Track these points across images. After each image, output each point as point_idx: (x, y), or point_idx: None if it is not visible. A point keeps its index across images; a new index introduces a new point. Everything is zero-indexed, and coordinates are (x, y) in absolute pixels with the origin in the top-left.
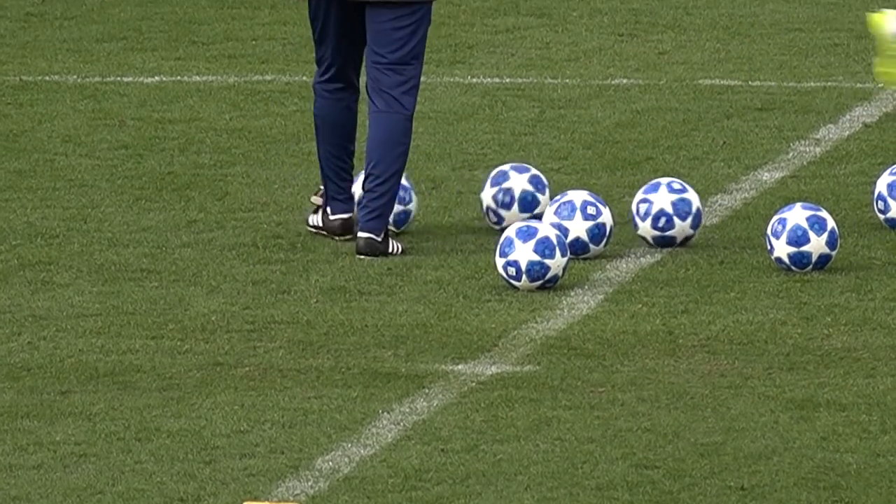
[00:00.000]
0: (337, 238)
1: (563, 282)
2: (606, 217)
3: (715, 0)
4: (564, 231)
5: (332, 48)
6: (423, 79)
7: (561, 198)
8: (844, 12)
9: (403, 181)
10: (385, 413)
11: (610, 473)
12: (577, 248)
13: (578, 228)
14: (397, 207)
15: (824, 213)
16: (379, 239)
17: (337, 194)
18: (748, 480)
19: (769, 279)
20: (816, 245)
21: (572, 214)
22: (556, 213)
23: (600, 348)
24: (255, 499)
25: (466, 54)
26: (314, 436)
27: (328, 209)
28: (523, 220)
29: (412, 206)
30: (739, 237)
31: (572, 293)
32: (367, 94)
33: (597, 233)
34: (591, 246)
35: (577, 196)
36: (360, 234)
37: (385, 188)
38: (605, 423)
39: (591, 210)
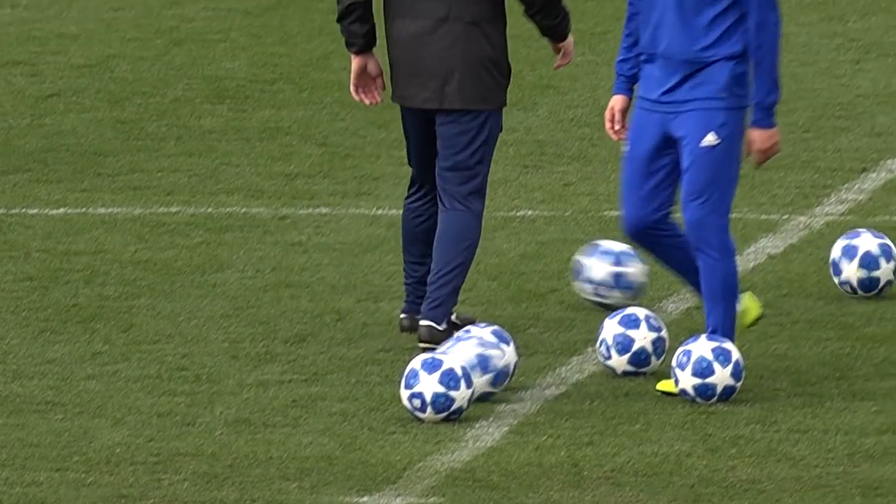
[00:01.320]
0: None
1: (468, 413)
2: (510, 358)
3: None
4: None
5: (413, 159)
6: (326, 210)
7: (465, 335)
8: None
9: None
10: None
11: None
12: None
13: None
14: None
15: (729, 345)
16: (440, 328)
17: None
18: None
19: (674, 410)
20: (721, 376)
21: None
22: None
23: (505, 480)
24: None
25: (372, 186)
26: None
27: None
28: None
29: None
30: None
31: (477, 425)
32: (437, 192)
33: (499, 377)
34: (495, 390)
35: (483, 334)
36: (421, 322)
37: (448, 279)
38: None
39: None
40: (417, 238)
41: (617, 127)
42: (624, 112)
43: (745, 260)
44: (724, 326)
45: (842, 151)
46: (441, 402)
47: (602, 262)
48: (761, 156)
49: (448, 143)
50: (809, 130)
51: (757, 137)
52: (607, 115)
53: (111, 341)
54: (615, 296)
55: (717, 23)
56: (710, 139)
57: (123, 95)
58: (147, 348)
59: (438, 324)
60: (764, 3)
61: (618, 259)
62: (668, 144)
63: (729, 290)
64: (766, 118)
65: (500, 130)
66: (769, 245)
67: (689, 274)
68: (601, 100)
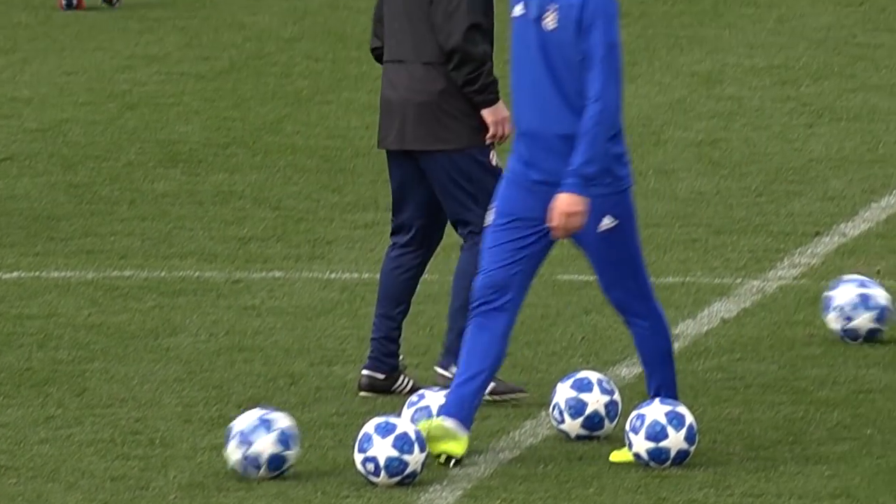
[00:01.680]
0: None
1: (422, 477)
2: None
3: None
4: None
5: (393, 204)
6: (280, 274)
7: (418, 401)
8: (702, 208)
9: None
10: None
11: None
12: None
13: None
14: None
15: (683, 409)
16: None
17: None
18: None
19: (628, 475)
20: (675, 440)
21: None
22: (413, 419)
23: None
24: None
25: (325, 249)
26: None
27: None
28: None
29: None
30: None
31: (430, 489)
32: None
33: None
34: None
35: (435, 400)
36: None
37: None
38: None
39: None
40: (392, 291)
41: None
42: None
43: (699, 324)
44: (667, 389)
45: (795, 215)
46: (395, 466)
47: (848, 286)
48: (560, 220)
49: (432, 183)
50: (762, 194)
51: (563, 201)
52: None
53: (64, 405)
54: (863, 317)
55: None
56: (607, 222)
57: (76, 159)
58: (101, 412)
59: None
60: (606, 73)
61: (862, 283)
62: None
63: (665, 354)
64: (578, 185)
65: (491, 169)
66: (723, 309)
67: None
68: None
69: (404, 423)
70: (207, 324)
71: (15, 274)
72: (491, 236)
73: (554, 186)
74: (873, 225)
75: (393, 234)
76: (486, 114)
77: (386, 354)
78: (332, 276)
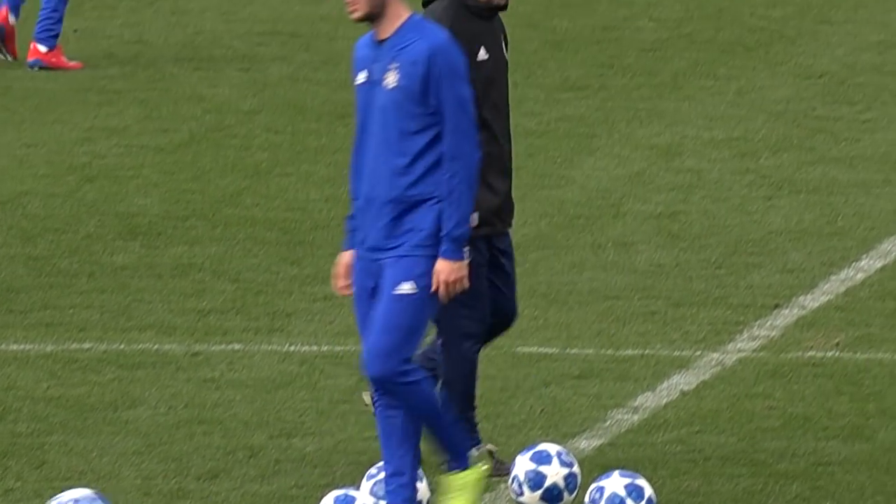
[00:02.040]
0: None
1: None
2: (423, 494)
3: (533, 267)
4: None
5: None
6: (239, 346)
7: (377, 473)
8: (661, 280)
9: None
10: None
11: None
12: None
13: None
14: None
15: (642, 481)
16: None
17: None
18: None
19: None
20: None
21: None
22: (371, 491)
23: None
24: None
25: (285, 322)
26: None
27: None
28: None
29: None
30: None
31: None
32: None
33: None
34: None
35: None
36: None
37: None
38: None
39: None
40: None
41: (341, 283)
42: (350, 267)
43: (658, 396)
44: (448, 447)
45: (754, 288)
46: None
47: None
48: (445, 288)
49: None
50: (722, 267)
51: (443, 269)
52: (335, 271)
53: (23, 478)
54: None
55: (420, 159)
56: (406, 287)
57: (35, 232)
58: (59, 485)
59: None
60: (459, 131)
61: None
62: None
63: (433, 414)
64: (453, 250)
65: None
66: (682, 381)
67: (434, 416)
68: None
69: (363, 495)
70: (167, 396)
71: None
72: (356, 311)
73: (378, 252)
74: (832, 297)
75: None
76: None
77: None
78: (292, 348)
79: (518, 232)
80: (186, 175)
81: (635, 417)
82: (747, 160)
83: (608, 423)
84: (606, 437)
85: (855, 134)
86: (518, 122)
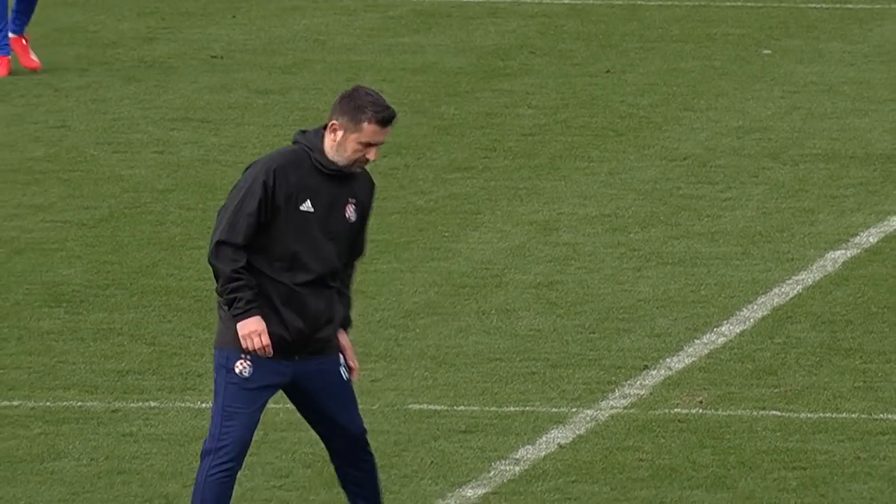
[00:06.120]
0: None
1: None
2: None
3: (423, 332)
4: None
5: None
6: (155, 403)
7: None
8: (540, 344)
9: None
10: None
11: None
12: None
13: None
14: None
15: None
16: None
17: None
18: None
19: None
20: None
21: None
22: None
23: None
24: None
25: (196, 381)
26: None
27: None
28: None
29: None
30: None
31: None
32: None
33: None
34: None
35: None
36: None
37: None
38: None
39: None
40: None
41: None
42: None
43: (538, 449)
44: None
45: (625, 350)
46: None
47: None
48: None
49: None
50: (595, 331)
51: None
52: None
53: None
54: None
55: None
56: None
57: None
58: None
59: None
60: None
61: None
62: None
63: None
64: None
65: (225, 376)
66: (559, 436)
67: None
68: (405, 303)
69: None
70: (89, 449)
71: None
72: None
73: None
74: (696, 359)
75: None
76: (237, 326)
77: None
78: (203, 405)
79: (409, 300)
80: (106, 248)
81: (517, 468)
82: (618, 234)
83: (492, 473)
84: (490, 487)
85: (716, 211)
86: (409, 200)
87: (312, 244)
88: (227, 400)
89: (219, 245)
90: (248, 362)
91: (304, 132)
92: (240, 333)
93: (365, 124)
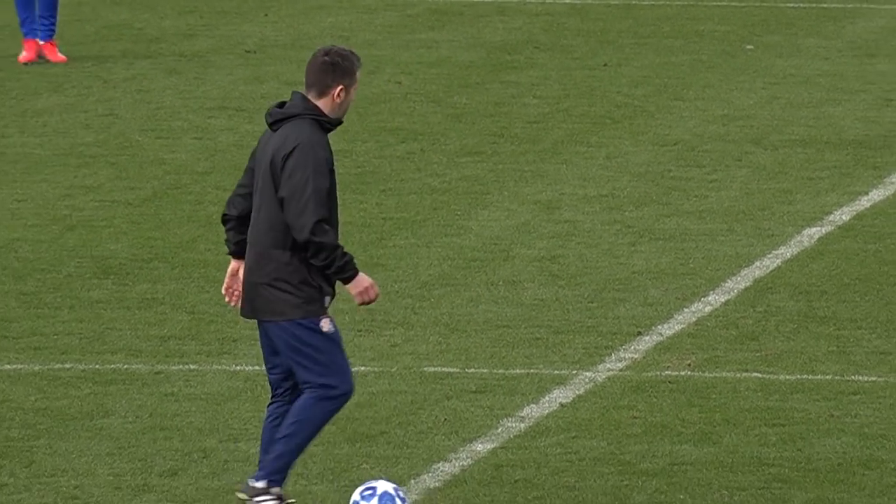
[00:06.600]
0: None
1: None
2: None
3: (437, 301)
4: None
5: None
6: (194, 366)
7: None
8: (544, 312)
9: None
10: None
11: None
12: None
13: None
14: None
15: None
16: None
17: None
18: None
19: None
20: None
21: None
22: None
23: None
24: None
25: (232, 346)
26: None
27: None
28: None
29: None
30: None
31: None
32: None
33: None
34: None
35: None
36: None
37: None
38: None
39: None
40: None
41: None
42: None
43: (541, 408)
44: None
45: (620, 318)
46: None
47: None
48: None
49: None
50: (594, 301)
51: None
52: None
53: (15, 475)
54: None
55: None
56: None
57: (25, 272)
58: (45, 481)
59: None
60: None
61: None
62: None
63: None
64: None
65: (323, 335)
66: (561, 395)
67: None
68: (421, 275)
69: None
70: (134, 408)
71: None
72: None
73: None
74: (685, 326)
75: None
76: (350, 289)
77: None
78: (238, 368)
79: (424, 273)
80: (150, 225)
81: (522, 425)
82: (615, 213)
83: (500, 429)
84: (498, 442)
85: (703, 191)
86: (425, 181)
87: (336, 202)
88: (337, 353)
89: (318, 224)
90: (329, 320)
91: (282, 105)
92: (354, 291)
93: (357, 72)
